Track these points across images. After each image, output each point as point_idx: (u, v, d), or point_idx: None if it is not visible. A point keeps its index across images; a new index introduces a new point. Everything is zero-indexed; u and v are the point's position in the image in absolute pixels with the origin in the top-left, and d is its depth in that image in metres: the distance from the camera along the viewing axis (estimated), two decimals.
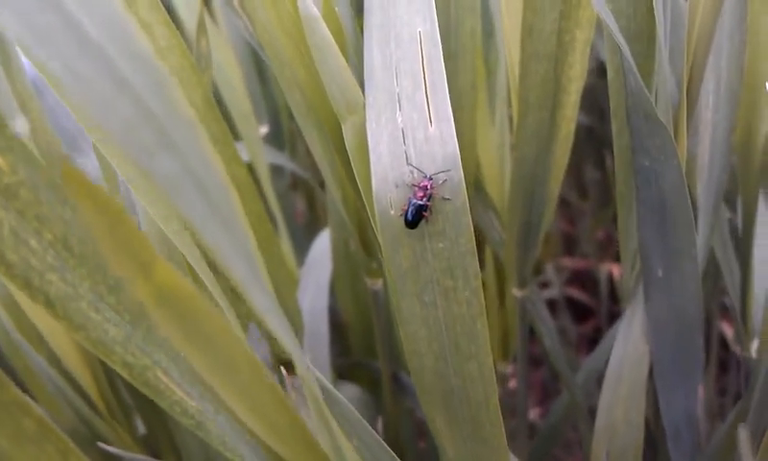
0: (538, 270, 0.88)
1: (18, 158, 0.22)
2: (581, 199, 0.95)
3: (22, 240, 0.23)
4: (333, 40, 0.28)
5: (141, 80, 0.16)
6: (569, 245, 0.98)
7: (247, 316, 0.31)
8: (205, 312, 0.17)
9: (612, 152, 0.38)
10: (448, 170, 0.29)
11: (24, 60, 0.38)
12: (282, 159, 0.70)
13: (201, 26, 0.36)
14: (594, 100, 0.83)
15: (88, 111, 0.15)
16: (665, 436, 0.44)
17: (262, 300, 0.17)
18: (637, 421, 0.42)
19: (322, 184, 0.73)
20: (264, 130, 0.72)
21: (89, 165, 0.38)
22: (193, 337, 0.17)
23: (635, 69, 0.29)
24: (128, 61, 0.16)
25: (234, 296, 0.31)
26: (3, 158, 0.21)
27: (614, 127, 0.37)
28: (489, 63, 0.46)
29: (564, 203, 0.98)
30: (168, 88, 0.16)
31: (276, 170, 0.72)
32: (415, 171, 0.29)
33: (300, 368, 0.20)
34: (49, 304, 0.24)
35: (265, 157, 0.62)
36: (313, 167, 0.78)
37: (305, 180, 0.75)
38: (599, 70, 0.77)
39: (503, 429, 0.34)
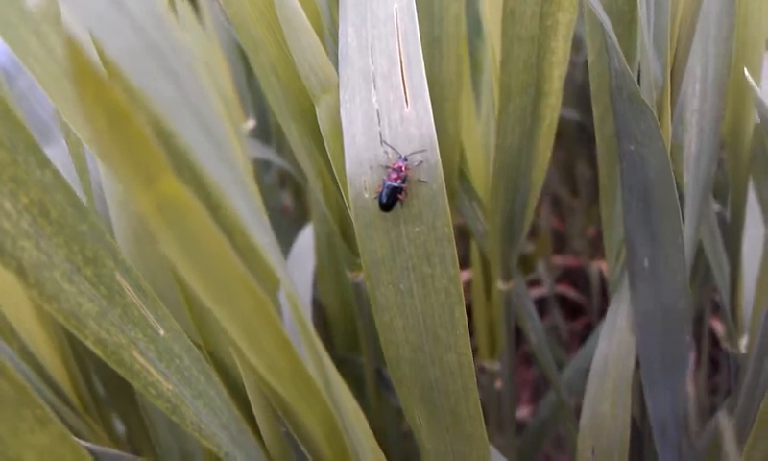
0: (529, 268, 0.88)
1: None
2: (572, 196, 0.94)
3: None
4: (305, 15, 0.27)
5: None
6: (560, 242, 0.97)
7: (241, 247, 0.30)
8: (207, 230, 0.16)
9: None
10: (424, 150, 0.28)
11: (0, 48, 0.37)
12: (269, 154, 0.69)
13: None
14: (585, 96, 0.83)
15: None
16: (652, 432, 0.43)
17: (256, 227, 0.16)
18: (624, 416, 0.41)
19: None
20: (251, 124, 0.71)
21: (60, 154, 0.37)
22: (193, 255, 0.17)
23: (618, 48, 0.28)
24: None
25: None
26: None
27: (596, 113, 0.36)
28: (475, 54, 0.45)
29: (555, 200, 0.98)
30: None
31: (263, 165, 0.71)
32: (389, 152, 0.28)
33: (285, 285, 0.19)
34: (21, 272, 0.23)
35: (251, 152, 0.62)
36: None
37: (292, 175, 0.74)
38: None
39: (483, 423, 0.33)
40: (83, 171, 0.32)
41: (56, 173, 0.23)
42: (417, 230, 0.29)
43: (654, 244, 0.37)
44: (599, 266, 0.87)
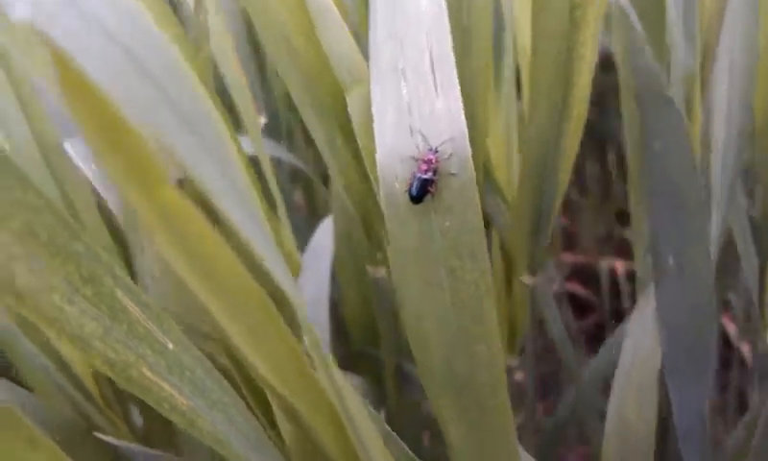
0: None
1: None
2: (581, 194, 0.94)
3: None
4: (336, 9, 0.27)
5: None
6: (570, 240, 0.97)
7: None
8: (209, 237, 0.16)
9: (614, 146, 0.37)
10: (453, 139, 0.27)
11: None
12: (280, 152, 0.69)
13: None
14: (596, 94, 0.82)
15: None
16: (675, 433, 0.43)
17: (259, 239, 0.16)
18: (650, 416, 0.41)
19: (321, 177, 0.72)
20: (262, 121, 0.71)
21: (83, 149, 0.37)
22: (196, 263, 0.16)
23: (645, 46, 0.28)
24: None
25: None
26: None
27: (625, 112, 0.36)
28: (496, 45, 0.45)
29: (564, 197, 0.97)
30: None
31: (274, 163, 0.71)
32: (420, 144, 0.28)
33: (293, 299, 0.19)
34: (19, 297, 0.22)
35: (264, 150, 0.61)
36: (312, 160, 0.77)
37: (304, 172, 0.74)
38: (602, 64, 0.76)
39: (512, 418, 0.32)
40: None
41: (40, 194, 0.22)
42: (447, 222, 0.29)
43: (679, 241, 0.37)
44: (609, 264, 0.87)
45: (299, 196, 0.79)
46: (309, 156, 0.76)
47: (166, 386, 0.26)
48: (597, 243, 0.92)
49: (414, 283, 0.30)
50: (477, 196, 0.28)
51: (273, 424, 0.32)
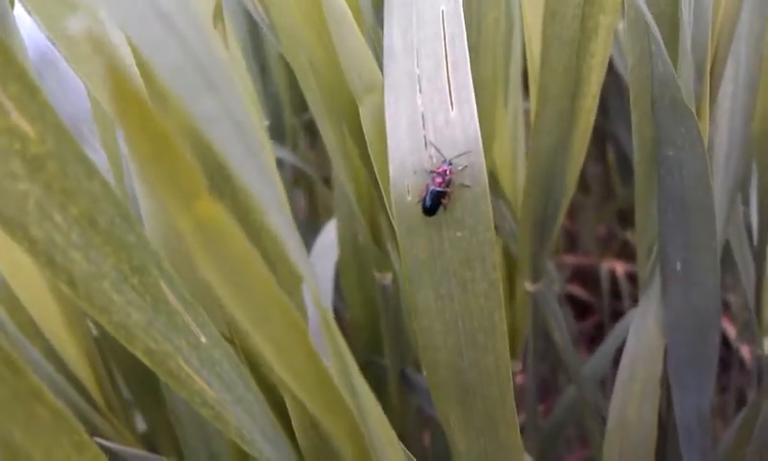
0: None
1: (48, 127, 0.21)
2: (582, 195, 0.94)
3: (47, 215, 0.21)
4: (352, 16, 0.27)
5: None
6: (570, 241, 0.97)
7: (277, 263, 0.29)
8: (244, 251, 0.16)
9: (614, 146, 0.37)
10: (469, 152, 0.27)
11: (29, 43, 0.36)
12: (283, 154, 0.69)
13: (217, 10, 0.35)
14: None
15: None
16: (676, 433, 0.43)
17: (294, 245, 0.16)
18: (651, 417, 0.41)
19: (323, 180, 0.72)
20: (265, 123, 0.70)
21: (94, 156, 0.37)
22: (229, 276, 0.16)
23: (665, 54, 0.28)
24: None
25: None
26: (32, 126, 0.20)
27: (634, 117, 0.36)
28: (505, 52, 0.45)
29: None
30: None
31: (276, 164, 0.70)
32: (434, 156, 0.28)
33: (311, 289, 0.19)
34: (72, 284, 0.22)
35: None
36: (315, 162, 0.76)
37: (306, 174, 0.73)
38: None
39: (518, 429, 0.33)
40: (119, 176, 0.31)
41: (104, 183, 0.23)
42: (458, 234, 0.29)
43: (688, 247, 0.37)
44: (609, 265, 0.87)
45: (301, 199, 0.78)
46: (311, 157, 0.76)
47: (198, 379, 0.26)
48: (598, 244, 0.92)
49: (425, 294, 0.30)
50: (490, 209, 0.28)
51: (285, 422, 0.32)
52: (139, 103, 0.13)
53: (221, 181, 0.27)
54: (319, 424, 0.28)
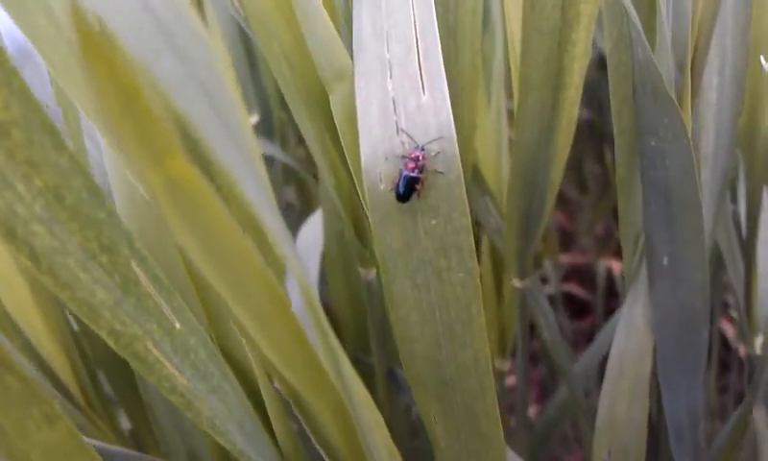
0: (536, 265, 0.87)
1: (14, 94, 0.20)
2: (579, 194, 0.93)
3: (8, 184, 0.21)
4: (320, 1, 0.26)
5: None
6: (567, 240, 0.97)
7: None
8: (217, 211, 0.15)
9: (613, 146, 0.36)
10: (441, 138, 0.27)
11: (6, 36, 0.36)
12: (273, 150, 0.68)
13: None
14: (594, 93, 0.82)
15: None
16: (667, 433, 0.42)
17: (267, 211, 0.15)
18: (641, 416, 0.40)
19: (314, 176, 0.72)
20: (255, 119, 0.70)
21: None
22: (203, 238, 0.16)
23: (644, 39, 0.28)
24: None
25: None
26: None
27: (614, 104, 0.35)
28: (484, 45, 0.44)
29: (562, 198, 0.97)
30: None
31: (267, 160, 0.70)
32: (406, 142, 0.27)
33: (296, 271, 0.18)
34: (33, 258, 0.22)
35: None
36: (305, 158, 0.76)
37: (296, 171, 0.73)
38: (598, 64, 0.75)
39: (500, 422, 0.32)
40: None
41: (72, 156, 0.22)
42: (433, 222, 0.29)
43: (674, 242, 0.36)
44: (606, 264, 0.87)
45: (291, 194, 0.78)
46: (301, 154, 0.76)
47: (168, 365, 0.26)
48: (595, 243, 0.91)
49: (401, 284, 0.29)
50: (465, 195, 0.28)
51: (264, 416, 0.31)
52: (106, 52, 0.13)
53: (200, 162, 0.26)
54: (302, 401, 0.28)
